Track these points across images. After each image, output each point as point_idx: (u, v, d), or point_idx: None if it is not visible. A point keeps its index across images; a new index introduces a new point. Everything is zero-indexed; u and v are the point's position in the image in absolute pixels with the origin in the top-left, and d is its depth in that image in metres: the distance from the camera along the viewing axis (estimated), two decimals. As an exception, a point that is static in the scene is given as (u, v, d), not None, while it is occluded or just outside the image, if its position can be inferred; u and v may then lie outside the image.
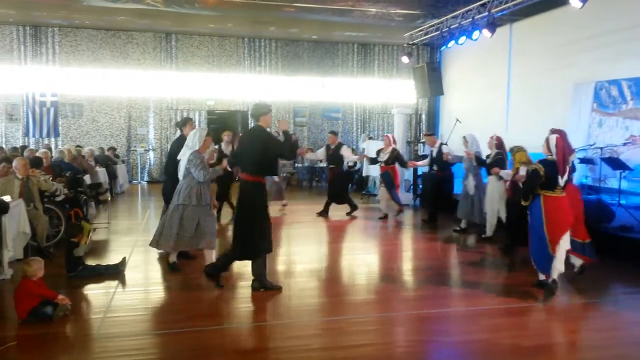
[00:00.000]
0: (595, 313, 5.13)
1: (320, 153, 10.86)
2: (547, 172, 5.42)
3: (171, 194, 6.21)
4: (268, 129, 5.54)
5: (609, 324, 4.79)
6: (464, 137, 8.77)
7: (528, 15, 12.76)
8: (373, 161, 10.27)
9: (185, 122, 6.92)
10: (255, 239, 5.36)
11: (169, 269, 6.19)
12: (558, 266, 5.48)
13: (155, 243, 6.15)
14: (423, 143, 13.56)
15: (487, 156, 8.21)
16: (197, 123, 16.52)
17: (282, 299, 5.34)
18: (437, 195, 9.62)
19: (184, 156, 6.02)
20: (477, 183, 8.63)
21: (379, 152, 10.14)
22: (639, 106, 10.17)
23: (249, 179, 5.40)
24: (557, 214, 5.45)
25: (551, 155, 5.59)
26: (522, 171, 6.46)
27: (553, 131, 6.00)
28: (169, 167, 6.80)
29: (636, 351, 4.22)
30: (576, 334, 4.60)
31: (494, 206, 7.99)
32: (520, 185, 6.43)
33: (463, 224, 8.97)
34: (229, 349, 4.17)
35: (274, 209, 8.93)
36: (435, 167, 9.50)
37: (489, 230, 8.20)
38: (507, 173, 7.57)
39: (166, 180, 7.14)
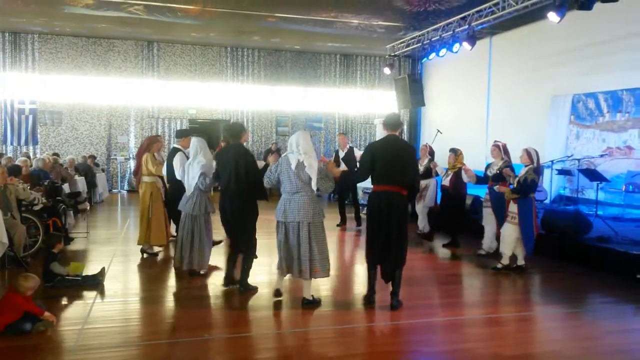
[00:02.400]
0: (574, 322, 5.19)
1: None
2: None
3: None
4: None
5: (587, 333, 4.86)
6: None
7: (507, 29, 13.00)
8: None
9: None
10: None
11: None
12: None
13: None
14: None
15: (488, 165, 7.70)
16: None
17: (266, 309, 5.31)
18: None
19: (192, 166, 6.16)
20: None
21: None
22: (615, 119, 10.40)
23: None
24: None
25: (532, 164, 6.60)
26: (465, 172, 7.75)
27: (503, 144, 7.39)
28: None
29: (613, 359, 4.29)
30: (555, 343, 4.64)
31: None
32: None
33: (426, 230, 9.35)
34: (209, 361, 4.13)
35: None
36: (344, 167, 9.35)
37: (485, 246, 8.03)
38: (441, 170, 8.54)
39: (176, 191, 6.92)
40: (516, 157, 7.07)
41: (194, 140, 6.25)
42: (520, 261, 6.89)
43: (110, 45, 16.01)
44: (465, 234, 8.74)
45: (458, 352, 4.40)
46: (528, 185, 6.61)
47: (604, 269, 6.91)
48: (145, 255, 7.43)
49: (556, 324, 5.20)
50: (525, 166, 6.72)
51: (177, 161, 6.78)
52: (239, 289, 5.73)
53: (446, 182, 8.38)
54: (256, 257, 5.95)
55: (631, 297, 5.86)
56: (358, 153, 10.32)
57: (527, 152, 6.73)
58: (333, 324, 4.96)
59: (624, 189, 9.57)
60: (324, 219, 5.32)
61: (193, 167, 6.11)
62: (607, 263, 6.92)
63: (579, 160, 10.24)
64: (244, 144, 5.94)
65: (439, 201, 8.99)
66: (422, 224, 9.39)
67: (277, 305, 5.41)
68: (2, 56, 15.24)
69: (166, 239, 7.55)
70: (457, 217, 8.45)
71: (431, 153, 9.25)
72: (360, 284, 6.22)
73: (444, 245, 8.54)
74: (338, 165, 9.85)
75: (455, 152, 8.38)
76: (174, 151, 7.07)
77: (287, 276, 5.48)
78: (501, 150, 7.41)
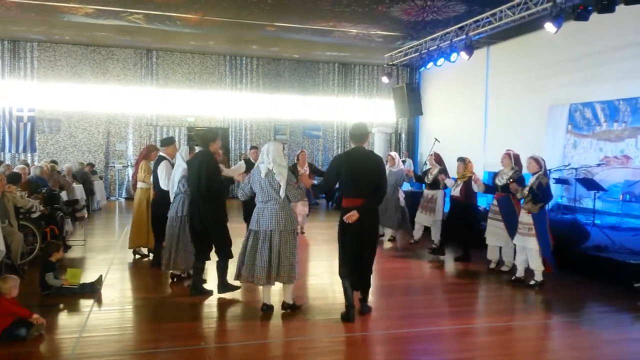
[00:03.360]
0: (572, 332, 5.19)
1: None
2: None
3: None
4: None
5: (585, 343, 4.86)
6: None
7: (504, 39, 13.08)
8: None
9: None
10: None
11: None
12: None
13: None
14: (404, 161, 13.63)
15: (496, 174, 7.40)
16: (177, 140, 16.46)
17: (261, 318, 5.30)
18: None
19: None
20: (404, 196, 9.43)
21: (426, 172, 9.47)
22: (612, 128, 10.45)
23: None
24: None
25: (540, 170, 6.58)
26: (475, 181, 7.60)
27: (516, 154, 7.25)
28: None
29: (611, 370, 4.29)
30: (553, 353, 4.64)
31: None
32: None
33: (393, 234, 9.61)
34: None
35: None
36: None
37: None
38: (451, 182, 8.30)
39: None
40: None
41: (182, 148, 6.58)
42: (540, 276, 6.60)
43: (109, 54, 16.06)
44: (477, 247, 8.07)
45: (456, 361, 4.40)
46: (545, 190, 6.44)
47: (602, 278, 6.92)
48: (137, 256, 7.85)
49: (554, 334, 5.20)
50: (534, 174, 6.58)
51: (162, 170, 6.85)
52: (218, 289, 5.89)
53: (456, 192, 8.02)
54: (231, 256, 5.91)
55: (629, 307, 5.86)
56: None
57: (535, 160, 6.60)
58: (330, 333, 4.95)
59: (621, 198, 9.60)
60: (296, 227, 5.40)
61: (177, 172, 6.29)
62: (604, 272, 6.93)
63: (576, 169, 10.28)
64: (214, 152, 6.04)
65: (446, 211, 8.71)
66: (436, 237, 8.77)
67: (268, 315, 5.38)
68: (1, 64, 15.26)
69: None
70: (469, 228, 7.98)
71: (439, 161, 8.84)
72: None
73: (456, 259, 8.18)
74: (318, 174, 10.02)
75: (464, 161, 8.10)
76: (160, 159, 7.03)
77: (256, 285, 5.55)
78: (512, 159, 7.13)
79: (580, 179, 9.65)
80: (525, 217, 6.59)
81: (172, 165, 6.75)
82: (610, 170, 10.24)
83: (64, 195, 9.97)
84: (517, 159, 7.17)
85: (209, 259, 6.05)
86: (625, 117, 10.17)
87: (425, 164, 9.98)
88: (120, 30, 13.48)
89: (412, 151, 18.13)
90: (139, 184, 7.65)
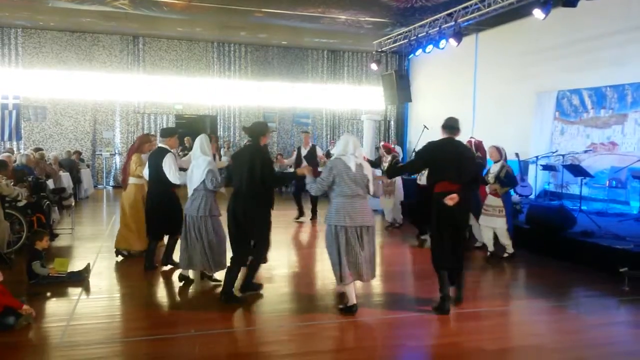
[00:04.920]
0: (558, 316, 5.25)
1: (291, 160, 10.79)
2: None
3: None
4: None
5: (571, 327, 4.92)
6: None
7: (493, 26, 13.08)
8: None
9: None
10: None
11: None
12: None
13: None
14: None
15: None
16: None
17: (252, 305, 5.31)
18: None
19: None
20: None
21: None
22: (599, 115, 10.51)
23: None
24: None
25: (501, 159, 7.20)
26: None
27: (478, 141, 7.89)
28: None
29: (596, 353, 4.35)
30: (539, 337, 4.70)
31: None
32: None
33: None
34: (197, 356, 4.12)
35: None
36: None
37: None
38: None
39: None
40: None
41: (201, 138, 5.79)
42: (510, 249, 7.34)
43: (95, 40, 15.84)
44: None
45: (442, 346, 4.44)
46: (511, 176, 7.20)
47: (588, 263, 6.99)
48: (120, 257, 7.06)
49: (540, 318, 5.26)
50: (496, 162, 7.27)
51: (170, 162, 6.16)
52: (241, 289, 5.51)
53: (422, 182, 8.16)
54: (265, 261, 5.80)
55: (615, 291, 5.93)
56: (320, 151, 10.64)
57: (497, 148, 7.30)
58: (327, 319, 4.97)
59: (607, 184, 9.69)
60: None
61: (199, 165, 5.62)
62: (591, 257, 7.00)
63: (563, 156, 10.34)
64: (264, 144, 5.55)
65: (411, 197, 9.47)
66: (393, 216, 9.76)
67: (258, 301, 5.40)
68: (-16, 50, 15.03)
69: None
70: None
71: (388, 152, 9.46)
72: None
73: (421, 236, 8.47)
74: (300, 162, 10.01)
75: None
76: (161, 152, 6.32)
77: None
78: (472, 146, 7.55)
79: (567, 165, 9.72)
80: (494, 201, 7.25)
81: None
82: (597, 157, 10.33)
83: (50, 183, 9.87)
84: (478, 146, 7.84)
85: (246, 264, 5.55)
86: (612, 104, 10.24)
87: (414, 150, 10.03)
88: (105, 16, 13.29)
89: (401, 138, 18.15)
90: (132, 179, 6.99)
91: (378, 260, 6.84)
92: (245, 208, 5.24)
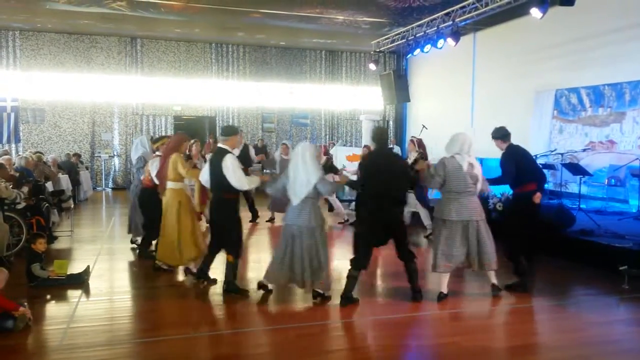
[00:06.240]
0: (558, 315, 5.25)
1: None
2: None
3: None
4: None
5: (570, 325, 4.92)
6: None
7: (491, 25, 13.08)
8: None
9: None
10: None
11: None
12: None
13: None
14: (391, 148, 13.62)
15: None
16: (163, 129, 16.34)
17: (250, 305, 5.30)
18: None
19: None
20: None
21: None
22: (598, 113, 10.52)
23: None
24: None
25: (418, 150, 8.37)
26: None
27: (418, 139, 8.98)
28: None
29: (596, 351, 4.35)
30: (540, 335, 4.70)
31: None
32: None
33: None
34: (196, 359, 4.11)
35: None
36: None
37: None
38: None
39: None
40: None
41: (305, 145, 5.39)
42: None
43: (92, 42, 15.82)
44: None
45: (444, 345, 4.43)
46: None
47: (587, 261, 6.99)
48: (189, 277, 6.22)
49: (540, 317, 5.27)
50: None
51: (231, 165, 5.43)
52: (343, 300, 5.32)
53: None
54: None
55: (614, 289, 5.94)
56: (253, 151, 10.29)
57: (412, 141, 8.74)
58: (322, 320, 4.97)
59: (606, 183, 9.69)
60: None
61: (307, 171, 5.18)
62: (590, 256, 7.00)
63: (562, 154, 10.34)
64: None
65: None
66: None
67: (265, 300, 5.39)
68: (-18, 53, 15.01)
69: (200, 251, 6.14)
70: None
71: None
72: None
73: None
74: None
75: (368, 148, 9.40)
76: (222, 152, 5.55)
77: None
78: (415, 144, 8.78)
79: (566, 164, 9.72)
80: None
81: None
82: (596, 155, 10.32)
83: (49, 186, 9.87)
84: (419, 144, 8.83)
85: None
86: (610, 102, 10.24)
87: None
88: (103, 18, 13.28)
89: (400, 138, 18.14)
90: (170, 184, 6.12)
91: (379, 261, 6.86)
92: (390, 215, 5.29)
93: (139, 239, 7.53)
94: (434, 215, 5.63)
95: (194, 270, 6.08)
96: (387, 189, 5.20)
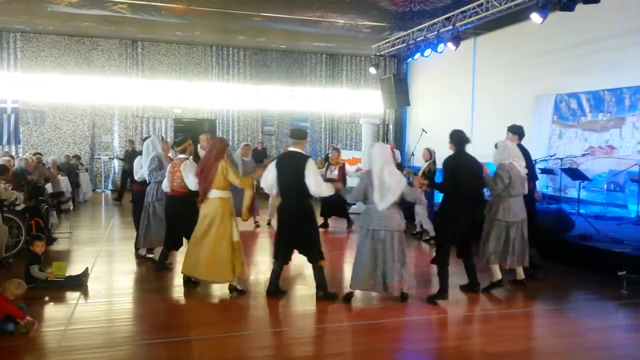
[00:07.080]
0: (557, 320, 5.25)
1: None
2: None
3: None
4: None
5: (569, 330, 4.92)
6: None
7: (491, 30, 13.10)
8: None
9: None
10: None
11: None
12: None
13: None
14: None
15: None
16: (163, 131, 16.34)
17: (249, 308, 5.30)
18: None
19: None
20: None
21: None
22: (597, 118, 10.53)
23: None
24: None
25: (431, 159, 8.50)
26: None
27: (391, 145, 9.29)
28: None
29: (595, 356, 4.35)
30: (538, 340, 4.70)
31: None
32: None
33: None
34: (195, 361, 4.11)
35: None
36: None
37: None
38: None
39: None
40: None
41: (381, 146, 5.48)
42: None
43: (93, 44, 15.85)
44: None
45: (442, 349, 4.43)
46: (433, 174, 8.33)
47: (586, 266, 7.00)
48: (234, 294, 5.66)
49: (539, 322, 5.26)
50: (426, 161, 8.56)
51: (314, 172, 5.34)
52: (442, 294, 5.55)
53: (333, 175, 9.87)
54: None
55: (613, 295, 5.94)
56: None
57: (427, 150, 8.66)
58: (320, 323, 4.96)
59: (605, 188, 9.70)
60: None
61: (394, 176, 5.24)
62: (589, 261, 7.01)
63: (561, 159, 10.35)
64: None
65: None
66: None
67: (268, 306, 5.39)
68: (-17, 54, 15.03)
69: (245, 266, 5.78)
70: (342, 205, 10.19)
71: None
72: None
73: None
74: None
75: (337, 151, 10.35)
76: (299, 158, 5.44)
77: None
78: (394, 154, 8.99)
79: (566, 168, 9.73)
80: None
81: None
82: (595, 160, 10.33)
83: (49, 187, 9.86)
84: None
85: None
86: (610, 108, 10.26)
87: (413, 154, 10.08)
88: (104, 21, 13.31)
89: (399, 142, 18.15)
90: (216, 192, 5.58)
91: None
92: (474, 214, 5.76)
93: (144, 251, 7.17)
94: (486, 215, 5.98)
95: (238, 286, 5.68)
96: (475, 188, 5.70)
